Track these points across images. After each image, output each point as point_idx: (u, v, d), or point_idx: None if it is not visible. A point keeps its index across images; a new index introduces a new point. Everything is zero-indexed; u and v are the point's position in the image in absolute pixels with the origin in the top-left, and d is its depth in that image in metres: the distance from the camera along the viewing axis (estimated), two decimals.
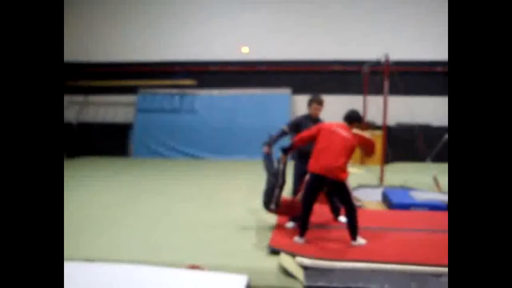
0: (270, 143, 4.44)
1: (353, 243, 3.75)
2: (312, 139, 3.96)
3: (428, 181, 6.27)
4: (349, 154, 3.83)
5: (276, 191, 4.16)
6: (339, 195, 3.89)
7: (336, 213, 4.51)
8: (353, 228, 3.77)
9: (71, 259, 3.35)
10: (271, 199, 4.16)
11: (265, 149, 4.37)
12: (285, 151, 4.19)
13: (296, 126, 4.48)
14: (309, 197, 3.87)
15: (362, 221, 4.04)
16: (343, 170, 3.75)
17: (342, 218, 4.28)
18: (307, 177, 3.88)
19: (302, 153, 4.28)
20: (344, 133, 3.84)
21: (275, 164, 4.24)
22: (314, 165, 3.79)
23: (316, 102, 4.46)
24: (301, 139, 4.04)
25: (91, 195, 5.93)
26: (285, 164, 4.22)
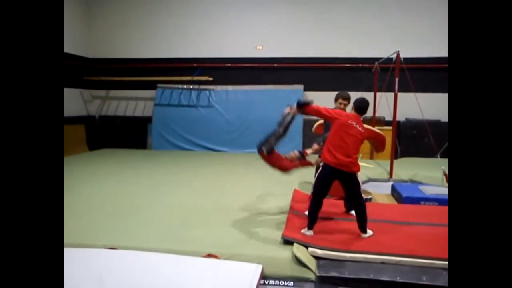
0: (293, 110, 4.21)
1: (363, 235, 3.83)
2: (326, 119, 3.95)
3: (438, 176, 6.31)
4: (360, 147, 3.90)
5: (273, 138, 4.16)
6: (349, 188, 3.90)
7: (349, 206, 4.58)
8: (362, 222, 3.83)
9: (93, 246, 3.51)
10: (265, 143, 4.17)
11: (288, 109, 4.24)
12: (300, 105, 4.04)
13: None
14: (321, 189, 3.88)
15: (372, 214, 4.10)
16: (356, 163, 3.83)
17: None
18: (320, 170, 3.89)
19: None
20: (359, 127, 3.83)
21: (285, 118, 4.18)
22: (330, 157, 3.75)
23: (342, 98, 4.46)
24: (317, 111, 3.92)
25: (111, 186, 6.10)
26: (292, 118, 4.15)
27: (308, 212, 3.93)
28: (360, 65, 9.78)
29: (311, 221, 3.88)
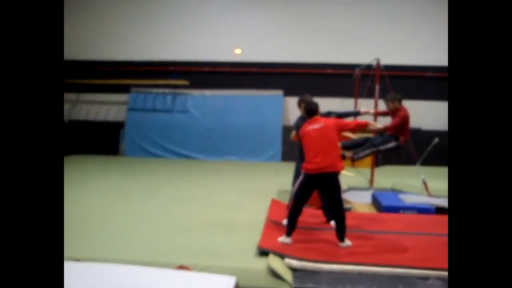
0: None
1: (341, 244, 3.76)
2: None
3: (418, 185, 6.32)
4: (335, 137, 3.86)
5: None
6: (331, 194, 3.83)
7: (329, 216, 4.49)
8: (341, 230, 3.77)
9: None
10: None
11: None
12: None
13: (297, 128, 4.45)
14: (301, 197, 3.86)
15: (351, 223, 4.05)
16: (340, 159, 3.89)
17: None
18: (301, 177, 3.86)
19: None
20: (316, 126, 3.84)
21: None
22: (309, 165, 3.76)
23: (305, 103, 4.44)
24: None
25: (80, 195, 5.86)
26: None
27: (288, 219, 3.87)
28: (341, 71, 9.79)
29: (290, 228, 3.82)
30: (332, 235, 3.89)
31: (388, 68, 7.10)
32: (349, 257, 3.47)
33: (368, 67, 7.73)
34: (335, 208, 3.85)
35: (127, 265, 3.21)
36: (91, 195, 5.86)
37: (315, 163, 3.71)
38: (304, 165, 3.82)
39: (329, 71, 9.99)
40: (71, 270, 3.09)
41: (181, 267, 3.23)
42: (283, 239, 3.79)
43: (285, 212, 4.81)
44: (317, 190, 4.07)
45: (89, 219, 4.63)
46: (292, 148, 9.43)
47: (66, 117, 10.88)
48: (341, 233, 3.77)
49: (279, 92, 10.20)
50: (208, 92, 10.41)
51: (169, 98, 10.46)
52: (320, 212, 4.70)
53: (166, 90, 10.43)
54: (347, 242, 3.77)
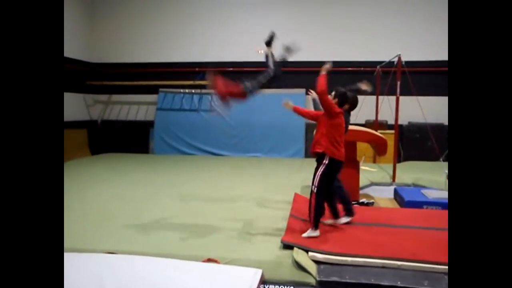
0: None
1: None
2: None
3: (441, 180, 6.27)
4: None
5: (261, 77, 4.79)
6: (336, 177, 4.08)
7: (336, 214, 4.51)
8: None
9: (93, 251, 3.50)
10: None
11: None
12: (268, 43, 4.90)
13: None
14: (327, 185, 3.95)
15: (374, 218, 4.09)
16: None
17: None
18: (326, 165, 3.87)
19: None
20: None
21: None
22: (340, 152, 3.86)
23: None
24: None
25: (112, 190, 6.11)
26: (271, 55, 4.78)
27: (315, 212, 3.87)
28: (362, 68, 9.77)
29: (317, 221, 3.87)
30: (354, 229, 3.93)
31: (410, 64, 7.06)
32: (373, 250, 3.49)
33: (390, 64, 7.71)
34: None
35: (157, 257, 3.36)
36: (123, 190, 6.09)
37: (342, 151, 3.87)
38: (333, 150, 3.85)
39: (350, 68, 9.97)
40: (105, 262, 3.26)
41: (209, 260, 3.35)
42: (310, 232, 3.82)
43: (307, 207, 4.89)
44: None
45: (121, 213, 4.81)
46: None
47: (99, 118, 11.33)
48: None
49: (301, 91, 10.25)
50: None
51: (195, 98, 10.70)
52: (340, 206, 4.73)
53: (193, 90, 10.67)
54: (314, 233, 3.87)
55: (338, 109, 3.90)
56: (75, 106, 10.54)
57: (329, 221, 4.23)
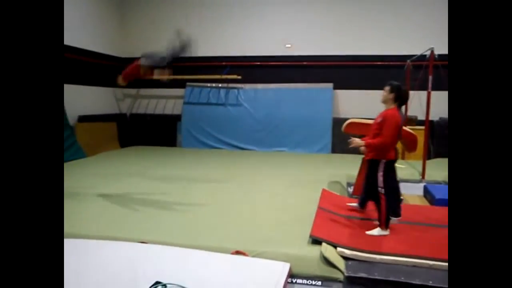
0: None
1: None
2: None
3: None
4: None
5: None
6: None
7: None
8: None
9: (126, 239, 3.61)
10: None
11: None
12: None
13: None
14: (393, 184, 3.94)
15: (404, 216, 4.01)
16: None
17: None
18: (385, 166, 3.87)
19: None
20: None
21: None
22: (394, 152, 3.91)
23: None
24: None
25: (141, 182, 6.25)
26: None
27: (386, 212, 3.86)
28: (391, 62, 9.56)
29: (388, 220, 3.86)
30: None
31: (442, 57, 6.86)
32: (403, 248, 3.44)
33: (421, 57, 7.51)
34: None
35: (186, 248, 3.42)
36: (152, 183, 6.22)
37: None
38: (391, 152, 3.86)
39: (379, 62, 9.78)
40: (138, 251, 3.36)
41: (238, 252, 3.39)
42: (380, 231, 3.83)
43: (335, 202, 4.87)
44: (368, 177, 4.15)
45: (150, 204, 4.92)
46: (343, 140, 9.43)
47: (128, 111, 11.59)
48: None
49: (329, 85, 10.15)
50: (259, 86, 10.58)
51: (222, 92, 10.76)
52: (372, 204, 4.68)
53: (220, 85, 10.72)
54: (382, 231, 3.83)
55: (389, 140, 3.80)
56: (106, 100, 10.82)
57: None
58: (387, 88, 3.94)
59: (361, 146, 4.00)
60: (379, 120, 3.90)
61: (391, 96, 3.89)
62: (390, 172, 3.88)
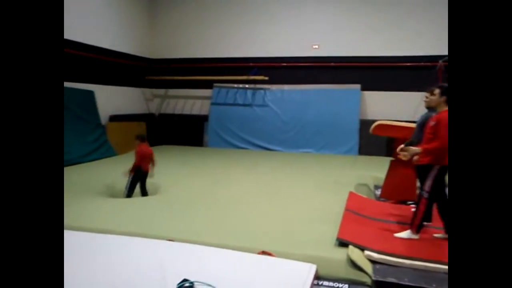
0: None
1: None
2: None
3: None
4: None
5: None
6: None
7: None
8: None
9: (154, 236, 3.68)
10: None
11: None
12: None
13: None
14: (441, 191, 3.81)
15: (434, 219, 3.91)
16: None
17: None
18: (437, 171, 3.71)
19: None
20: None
21: None
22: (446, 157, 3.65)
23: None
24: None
25: (168, 181, 6.34)
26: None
27: (421, 216, 3.76)
28: (422, 63, 9.32)
29: (421, 226, 3.78)
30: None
31: None
32: (435, 255, 3.33)
33: None
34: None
35: (212, 247, 3.44)
36: (179, 182, 6.32)
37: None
38: (445, 157, 3.62)
39: (409, 63, 9.55)
40: (165, 248, 3.41)
41: (264, 253, 3.38)
42: (410, 235, 3.75)
43: (363, 205, 4.80)
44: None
45: (178, 203, 5.00)
46: (370, 142, 9.30)
47: (156, 111, 11.84)
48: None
49: (356, 86, 10.01)
50: (286, 87, 10.57)
51: (249, 93, 10.82)
52: (403, 207, 4.61)
53: (246, 86, 10.80)
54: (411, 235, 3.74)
55: (446, 142, 3.55)
56: (135, 100, 11.07)
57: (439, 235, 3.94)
58: (437, 91, 3.77)
59: (417, 153, 3.84)
60: (432, 123, 3.76)
61: (443, 99, 3.76)
62: (441, 179, 3.72)
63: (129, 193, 5.47)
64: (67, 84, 8.27)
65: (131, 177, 5.48)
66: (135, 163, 5.56)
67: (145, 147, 5.67)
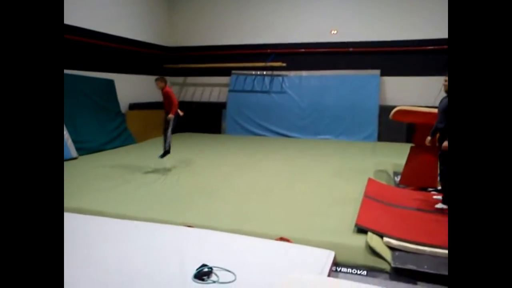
0: None
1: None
2: None
3: None
4: None
5: None
6: None
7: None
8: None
9: (173, 223, 3.75)
10: None
11: None
12: None
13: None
14: None
15: None
16: None
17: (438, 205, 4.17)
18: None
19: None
20: None
21: None
22: None
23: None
24: None
25: (187, 168, 6.43)
26: None
27: None
28: (443, 47, 9.03)
29: None
30: (436, 218, 3.74)
31: None
32: None
33: None
34: None
35: (231, 233, 3.48)
36: (198, 168, 6.39)
37: None
38: None
39: (430, 47, 9.28)
40: (184, 234, 3.47)
41: (282, 239, 3.40)
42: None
43: (382, 192, 4.76)
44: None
45: (196, 190, 5.06)
46: (389, 128, 9.15)
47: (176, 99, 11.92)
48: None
49: (376, 72, 9.82)
50: (304, 73, 10.44)
51: (267, 79, 10.74)
52: (422, 194, 4.55)
53: (264, 72, 10.72)
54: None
55: None
56: (154, 88, 11.13)
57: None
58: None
59: None
60: None
61: None
62: None
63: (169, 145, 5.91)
64: (88, 74, 8.41)
65: (173, 124, 5.60)
66: (173, 105, 5.65)
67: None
